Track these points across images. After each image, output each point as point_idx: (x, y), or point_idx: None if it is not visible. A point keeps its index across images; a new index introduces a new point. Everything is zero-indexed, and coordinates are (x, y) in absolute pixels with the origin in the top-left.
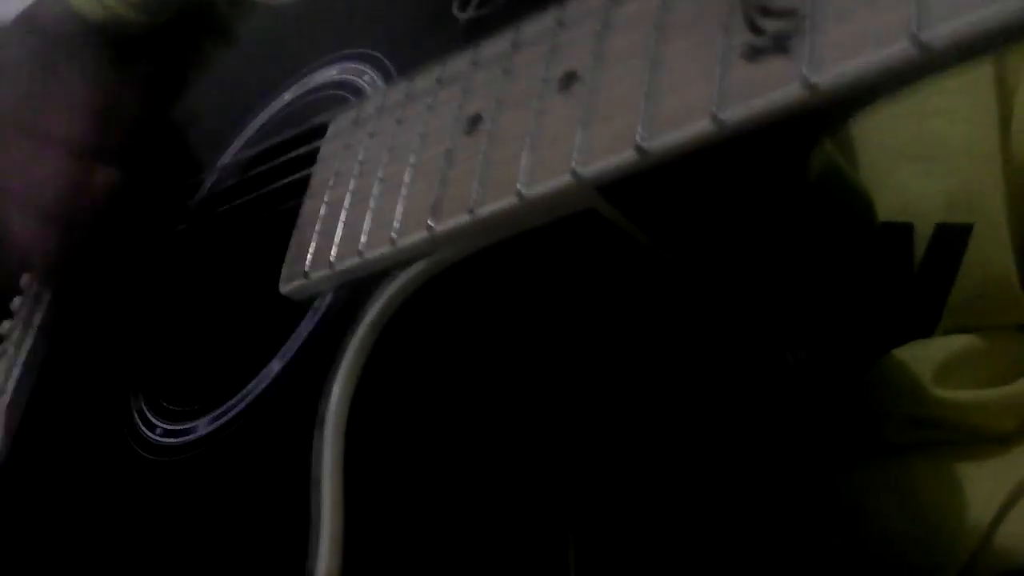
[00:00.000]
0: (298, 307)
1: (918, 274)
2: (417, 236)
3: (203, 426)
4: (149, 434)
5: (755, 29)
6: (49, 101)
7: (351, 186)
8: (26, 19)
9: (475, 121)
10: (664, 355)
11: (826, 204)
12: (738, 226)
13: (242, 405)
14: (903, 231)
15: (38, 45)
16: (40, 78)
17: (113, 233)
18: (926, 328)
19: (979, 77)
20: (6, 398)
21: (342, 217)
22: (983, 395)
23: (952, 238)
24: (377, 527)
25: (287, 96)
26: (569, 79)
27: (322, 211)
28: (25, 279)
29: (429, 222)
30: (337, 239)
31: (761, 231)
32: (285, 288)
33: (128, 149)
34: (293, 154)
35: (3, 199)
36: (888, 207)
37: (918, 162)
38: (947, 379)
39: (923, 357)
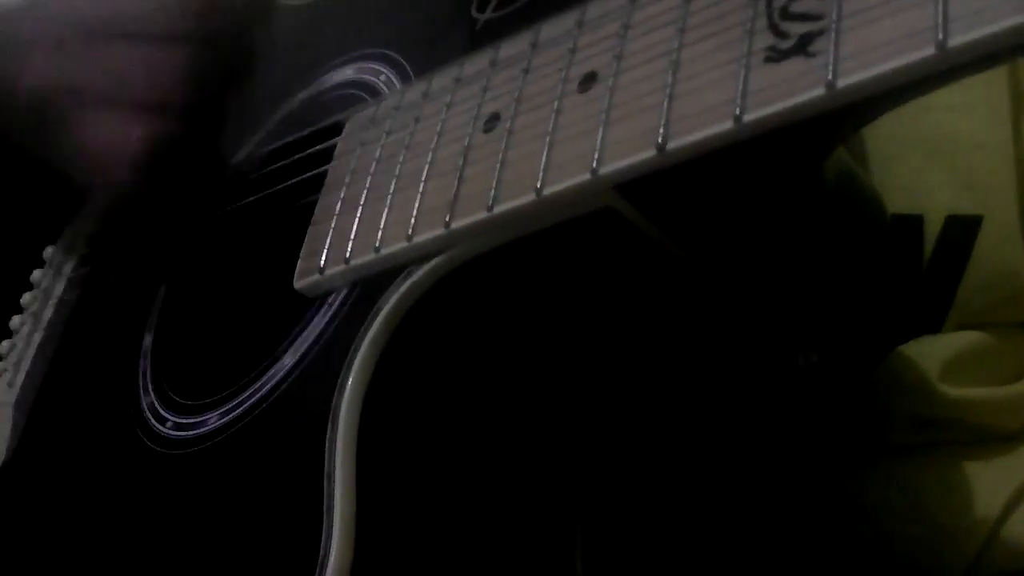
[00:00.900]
0: (312, 302)
1: (928, 266)
2: (433, 233)
3: (214, 420)
4: (160, 427)
5: (778, 32)
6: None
7: (367, 183)
8: None
9: (493, 119)
10: (677, 355)
11: (840, 207)
12: (754, 227)
13: (254, 399)
14: (913, 223)
15: None
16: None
17: (135, 222)
18: (935, 320)
19: (991, 72)
20: (15, 393)
21: (358, 213)
22: (990, 393)
23: (962, 230)
24: (389, 520)
25: (303, 95)
26: (589, 79)
27: (338, 207)
28: (36, 275)
29: (446, 219)
30: (352, 235)
31: (777, 233)
32: (299, 284)
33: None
34: (309, 151)
35: (79, 99)
36: (898, 200)
37: (928, 155)
38: (954, 377)
39: (930, 354)
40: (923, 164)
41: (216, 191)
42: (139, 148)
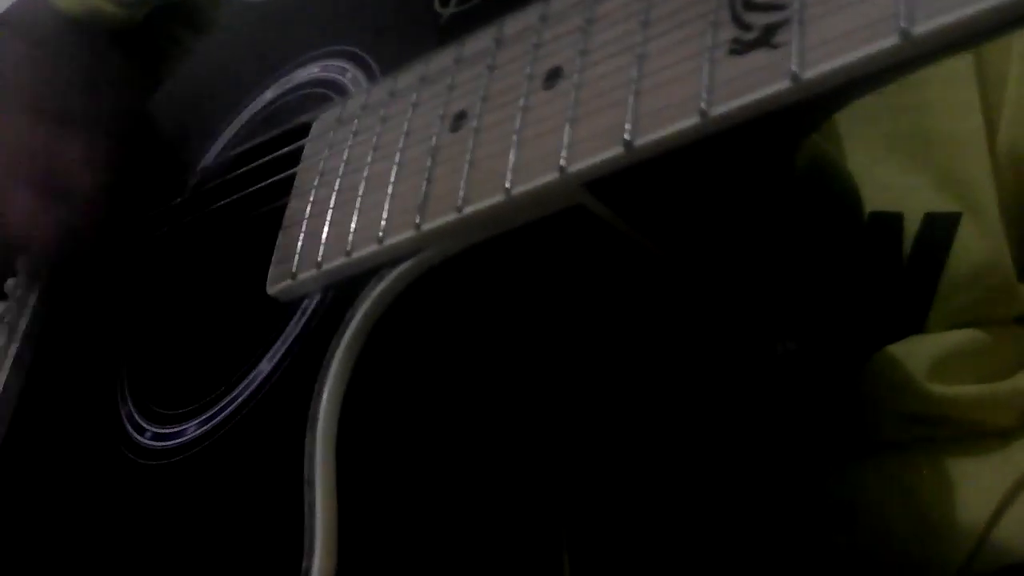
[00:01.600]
0: (286, 308)
1: (908, 264)
2: (404, 235)
3: (193, 429)
4: (139, 438)
5: (741, 24)
6: (38, 76)
7: (336, 185)
8: (3, 18)
9: (460, 118)
10: (654, 349)
11: (814, 194)
12: (726, 219)
13: (232, 407)
14: (892, 221)
15: (13, 41)
16: (24, 64)
17: (102, 233)
18: (917, 318)
19: (958, 68)
20: None
21: (328, 217)
22: (979, 390)
23: (941, 227)
24: (370, 526)
25: (269, 95)
26: (554, 75)
27: (308, 211)
28: (10, 284)
29: (416, 221)
30: (324, 239)
31: (749, 223)
32: (272, 289)
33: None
34: (277, 154)
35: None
36: (877, 198)
37: (905, 153)
38: (943, 375)
39: (918, 352)
40: (902, 164)
41: (185, 194)
42: (52, 233)
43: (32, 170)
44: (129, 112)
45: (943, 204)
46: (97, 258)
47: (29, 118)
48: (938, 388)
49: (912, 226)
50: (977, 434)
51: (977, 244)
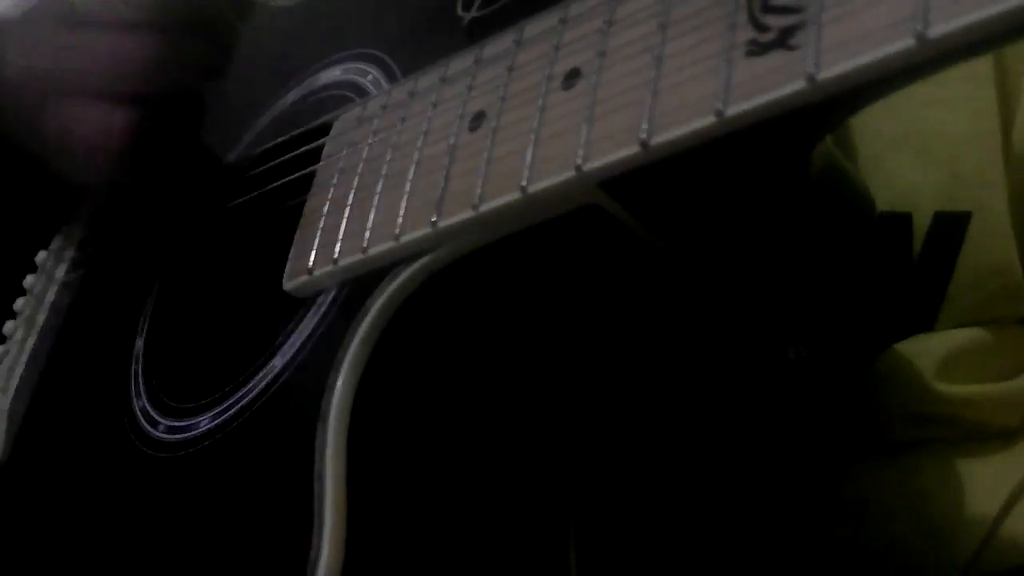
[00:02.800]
0: (301, 304)
1: (917, 263)
2: (420, 232)
3: (206, 422)
4: (152, 431)
5: (759, 25)
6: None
7: (355, 183)
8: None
9: (479, 118)
10: (666, 351)
11: (827, 200)
12: (740, 221)
13: (244, 401)
14: (902, 221)
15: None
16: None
17: (118, 230)
18: (927, 318)
19: (977, 66)
20: (8, 398)
21: (346, 214)
22: (986, 390)
23: (951, 227)
24: (379, 520)
25: (291, 97)
26: (573, 76)
27: (326, 208)
28: (29, 280)
29: (432, 218)
30: (341, 236)
31: (763, 226)
32: (288, 285)
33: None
34: (298, 152)
35: (53, 89)
36: (886, 197)
37: (916, 151)
38: (950, 374)
39: (925, 352)
40: (911, 161)
41: (206, 190)
42: (118, 138)
43: (98, 75)
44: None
45: (952, 203)
46: (114, 255)
47: (87, 29)
48: (944, 387)
49: (922, 222)
50: (983, 434)
51: (986, 245)
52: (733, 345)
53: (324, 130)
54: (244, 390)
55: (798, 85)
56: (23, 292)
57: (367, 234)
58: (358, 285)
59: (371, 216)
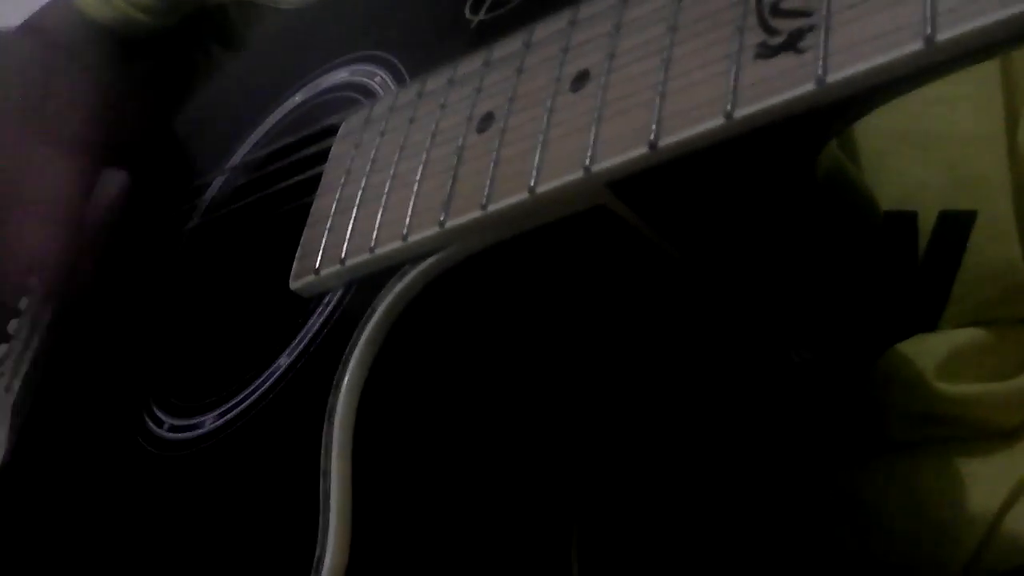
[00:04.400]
0: (307, 303)
1: (922, 262)
2: (428, 232)
3: (211, 421)
4: (157, 430)
5: (768, 29)
6: (53, 103)
7: (362, 183)
8: (31, 24)
9: (487, 119)
10: (670, 353)
11: (832, 203)
12: (747, 223)
13: (250, 400)
14: (907, 219)
15: (41, 49)
16: (43, 81)
17: (122, 233)
18: (931, 317)
19: (983, 65)
20: (12, 396)
21: (353, 214)
22: (988, 389)
23: (956, 226)
24: (385, 519)
25: (298, 98)
26: (582, 78)
27: (333, 208)
28: (32, 282)
29: (440, 218)
30: (348, 236)
31: (769, 229)
32: (295, 284)
33: (135, 151)
34: (305, 153)
35: (9, 203)
36: (890, 194)
37: (920, 149)
38: (951, 374)
39: (926, 351)
40: (916, 160)
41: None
42: (66, 246)
43: (40, 200)
44: (155, 122)
45: (957, 202)
46: (121, 254)
47: (36, 146)
48: (946, 387)
49: (926, 221)
50: (984, 433)
51: (990, 245)
52: (737, 348)
53: (331, 131)
54: (250, 389)
55: (807, 87)
56: (26, 290)
57: (374, 234)
58: (365, 285)
59: (378, 216)
